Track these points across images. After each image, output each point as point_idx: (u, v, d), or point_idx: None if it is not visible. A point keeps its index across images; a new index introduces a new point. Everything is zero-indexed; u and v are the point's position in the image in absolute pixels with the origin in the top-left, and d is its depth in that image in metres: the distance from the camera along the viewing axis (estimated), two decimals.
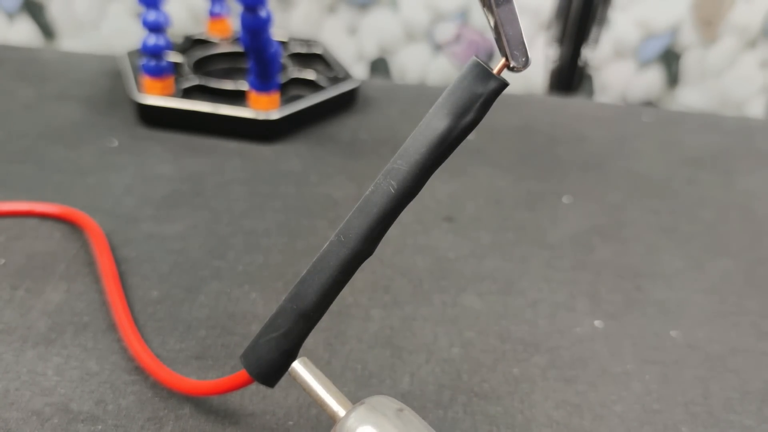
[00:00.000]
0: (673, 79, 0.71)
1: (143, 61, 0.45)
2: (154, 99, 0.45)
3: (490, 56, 0.70)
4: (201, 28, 0.58)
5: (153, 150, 0.43)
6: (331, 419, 0.22)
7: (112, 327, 0.29)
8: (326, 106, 0.48)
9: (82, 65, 0.54)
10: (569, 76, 0.69)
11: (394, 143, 0.45)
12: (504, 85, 0.20)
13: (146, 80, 0.46)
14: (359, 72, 0.71)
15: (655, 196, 0.42)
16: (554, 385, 0.28)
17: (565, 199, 0.41)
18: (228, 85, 0.47)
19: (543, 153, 0.46)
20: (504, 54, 0.19)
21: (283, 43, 0.54)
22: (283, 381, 0.27)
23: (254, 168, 0.42)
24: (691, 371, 0.29)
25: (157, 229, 0.36)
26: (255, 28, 0.40)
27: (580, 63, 0.68)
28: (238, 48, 0.53)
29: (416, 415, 0.22)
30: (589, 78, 0.71)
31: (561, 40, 0.67)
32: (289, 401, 0.26)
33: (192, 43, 0.54)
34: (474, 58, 0.20)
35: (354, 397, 0.27)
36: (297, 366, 0.23)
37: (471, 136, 0.21)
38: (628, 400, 0.28)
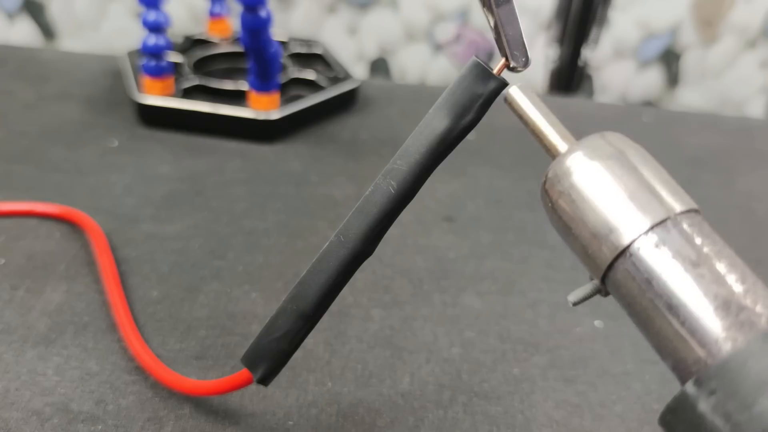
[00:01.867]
0: (673, 79, 0.71)
1: (143, 61, 0.45)
2: (154, 99, 0.45)
3: (490, 56, 0.70)
4: (201, 28, 0.58)
5: (153, 150, 0.43)
6: (549, 153, 0.19)
7: (112, 327, 0.29)
8: (326, 106, 0.48)
9: (82, 65, 0.54)
10: (569, 76, 0.69)
11: (394, 143, 0.45)
12: (504, 85, 0.20)
13: (146, 80, 0.46)
14: (359, 72, 0.71)
15: None
16: (554, 385, 0.28)
17: None
18: (228, 85, 0.47)
19: (543, 153, 0.46)
20: (504, 54, 0.19)
21: (283, 43, 0.54)
22: (284, 381, 0.27)
23: (254, 168, 0.42)
24: None
25: (157, 229, 0.36)
26: (255, 28, 0.40)
27: (580, 63, 0.68)
28: (238, 48, 0.53)
29: (649, 155, 0.19)
30: (589, 78, 0.71)
31: (561, 40, 0.67)
32: (289, 401, 0.26)
33: (192, 43, 0.54)
34: (474, 58, 0.20)
35: (354, 397, 0.27)
36: (514, 92, 0.19)
37: (471, 136, 0.21)
38: (628, 400, 0.28)
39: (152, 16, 0.44)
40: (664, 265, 0.16)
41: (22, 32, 0.72)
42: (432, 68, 0.71)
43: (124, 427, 0.25)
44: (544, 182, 0.19)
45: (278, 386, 0.27)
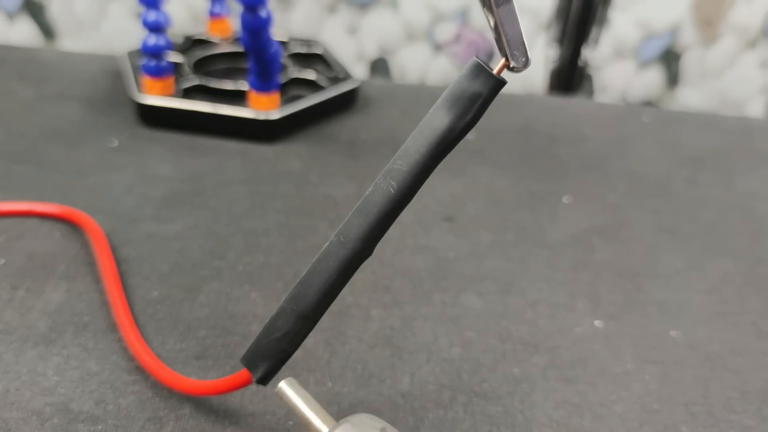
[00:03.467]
0: (673, 79, 0.71)
1: (143, 61, 0.45)
2: (154, 99, 0.45)
3: (490, 56, 0.70)
4: (201, 28, 0.58)
5: (153, 150, 0.43)
6: None
7: (113, 327, 0.29)
8: (326, 106, 0.48)
9: (82, 65, 0.54)
10: (569, 76, 0.69)
11: (394, 143, 0.45)
12: (503, 84, 0.20)
13: (146, 80, 0.46)
14: (359, 72, 0.71)
15: (655, 196, 0.42)
16: (554, 385, 0.28)
17: (565, 199, 0.41)
18: (228, 85, 0.47)
19: (543, 153, 0.46)
20: (504, 54, 0.19)
21: (283, 43, 0.54)
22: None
23: (254, 168, 0.42)
24: (691, 371, 0.29)
25: (157, 229, 0.36)
26: (255, 28, 0.40)
27: (580, 63, 0.68)
28: (238, 48, 0.53)
29: None
30: (589, 78, 0.71)
31: (561, 40, 0.67)
32: None
33: (192, 43, 0.54)
34: (474, 58, 0.20)
35: (354, 397, 0.27)
36: (283, 386, 0.23)
37: (471, 136, 0.21)
38: (628, 400, 0.28)
39: (152, 16, 0.44)
40: None
41: (22, 32, 0.72)
42: (432, 68, 0.72)
43: (124, 427, 0.25)
44: None
45: None
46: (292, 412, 0.23)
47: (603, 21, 0.67)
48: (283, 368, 0.23)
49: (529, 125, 0.50)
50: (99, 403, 0.26)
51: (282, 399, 0.23)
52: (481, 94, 0.20)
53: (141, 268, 0.33)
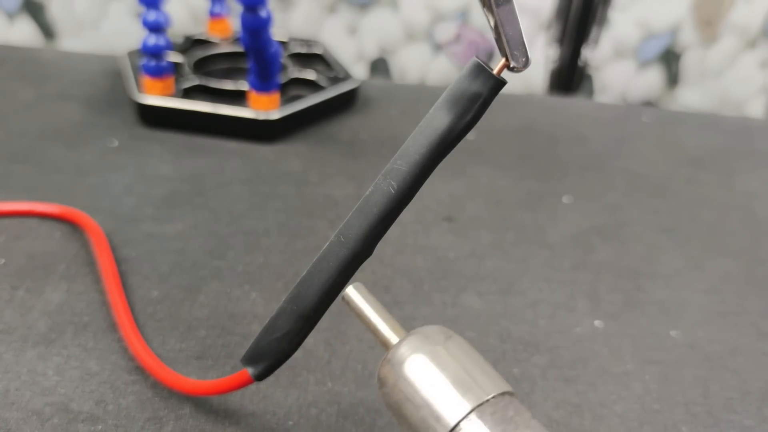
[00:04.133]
0: (673, 79, 0.71)
1: (143, 61, 0.45)
2: (154, 99, 0.45)
3: (490, 56, 0.70)
4: (201, 28, 0.58)
5: (153, 150, 0.43)
6: (383, 346, 0.22)
7: (113, 327, 0.29)
8: (326, 106, 0.48)
9: (82, 65, 0.54)
10: (569, 76, 0.69)
11: (394, 143, 0.45)
12: (503, 84, 0.20)
13: (146, 80, 0.46)
14: (359, 72, 0.71)
15: (655, 196, 0.42)
16: (554, 385, 0.28)
17: (565, 199, 0.41)
18: (228, 85, 0.47)
19: (543, 153, 0.46)
20: (504, 54, 0.19)
21: (283, 43, 0.54)
22: (284, 381, 0.27)
23: (254, 168, 0.42)
24: (691, 371, 0.29)
25: (157, 229, 0.36)
26: (255, 28, 0.40)
27: (580, 63, 0.68)
28: (238, 48, 0.53)
29: (466, 343, 0.21)
30: (589, 78, 0.71)
31: (561, 40, 0.67)
32: (289, 401, 0.26)
33: (192, 43, 0.54)
34: (474, 58, 0.20)
35: (354, 397, 0.27)
36: (350, 291, 0.22)
37: (470, 136, 0.21)
38: (628, 400, 0.28)
39: (152, 16, 0.44)
40: None
41: (22, 32, 0.72)
42: (432, 68, 0.72)
43: (124, 427, 0.25)
44: (379, 371, 0.21)
45: (278, 386, 0.27)
46: (359, 319, 0.22)
47: (603, 21, 0.67)
48: (283, 368, 0.23)
49: (529, 125, 0.50)
50: (99, 403, 0.26)
51: (349, 306, 0.22)
52: (481, 94, 0.20)
53: (141, 268, 0.33)
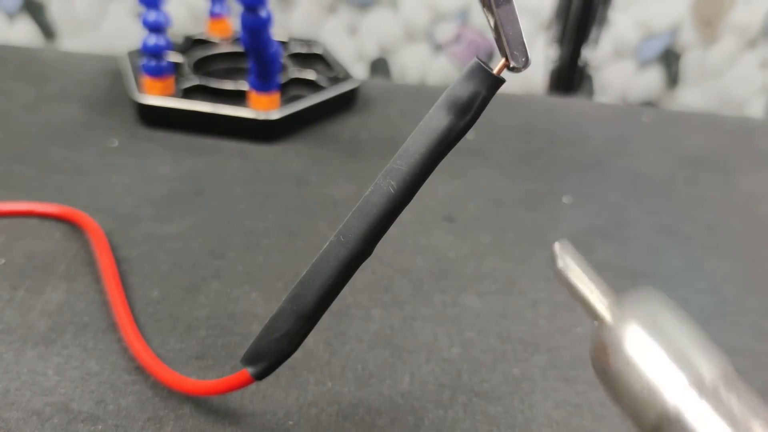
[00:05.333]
0: (673, 79, 0.71)
1: (143, 61, 0.45)
2: (154, 99, 0.45)
3: (490, 56, 0.70)
4: (201, 28, 0.58)
5: (153, 150, 0.43)
6: (593, 318, 0.20)
7: (113, 327, 0.29)
8: (326, 106, 0.48)
9: (82, 65, 0.54)
10: (569, 76, 0.69)
11: (394, 143, 0.45)
12: (502, 83, 0.20)
13: (146, 80, 0.46)
14: (359, 72, 0.71)
15: (655, 196, 0.42)
16: (554, 384, 0.28)
17: (565, 199, 0.41)
18: (228, 85, 0.47)
19: (543, 153, 0.46)
20: (504, 54, 0.19)
21: (283, 43, 0.54)
22: (284, 381, 0.27)
23: (254, 168, 0.42)
24: None
25: (157, 229, 0.36)
26: (255, 28, 0.40)
27: (580, 63, 0.68)
28: (238, 48, 0.53)
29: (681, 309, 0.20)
30: (589, 78, 0.71)
31: (561, 40, 0.67)
32: (289, 401, 0.26)
33: (192, 43, 0.54)
34: (474, 58, 0.20)
35: (354, 397, 0.27)
36: (557, 249, 0.20)
37: (470, 136, 0.21)
38: None
39: (152, 16, 0.44)
40: (707, 428, 0.17)
41: (22, 32, 0.72)
42: (432, 68, 0.72)
43: (124, 427, 0.25)
44: (594, 347, 0.20)
45: (278, 386, 0.27)
46: (566, 286, 0.20)
47: (603, 21, 0.67)
48: (283, 368, 0.23)
49: (529, 125, 0.50)
50: (99, 403, 0.26)
51: (559, 273, 0.20)
52: (480, 93, 0.20)
53: (141, 268, 0.33)
